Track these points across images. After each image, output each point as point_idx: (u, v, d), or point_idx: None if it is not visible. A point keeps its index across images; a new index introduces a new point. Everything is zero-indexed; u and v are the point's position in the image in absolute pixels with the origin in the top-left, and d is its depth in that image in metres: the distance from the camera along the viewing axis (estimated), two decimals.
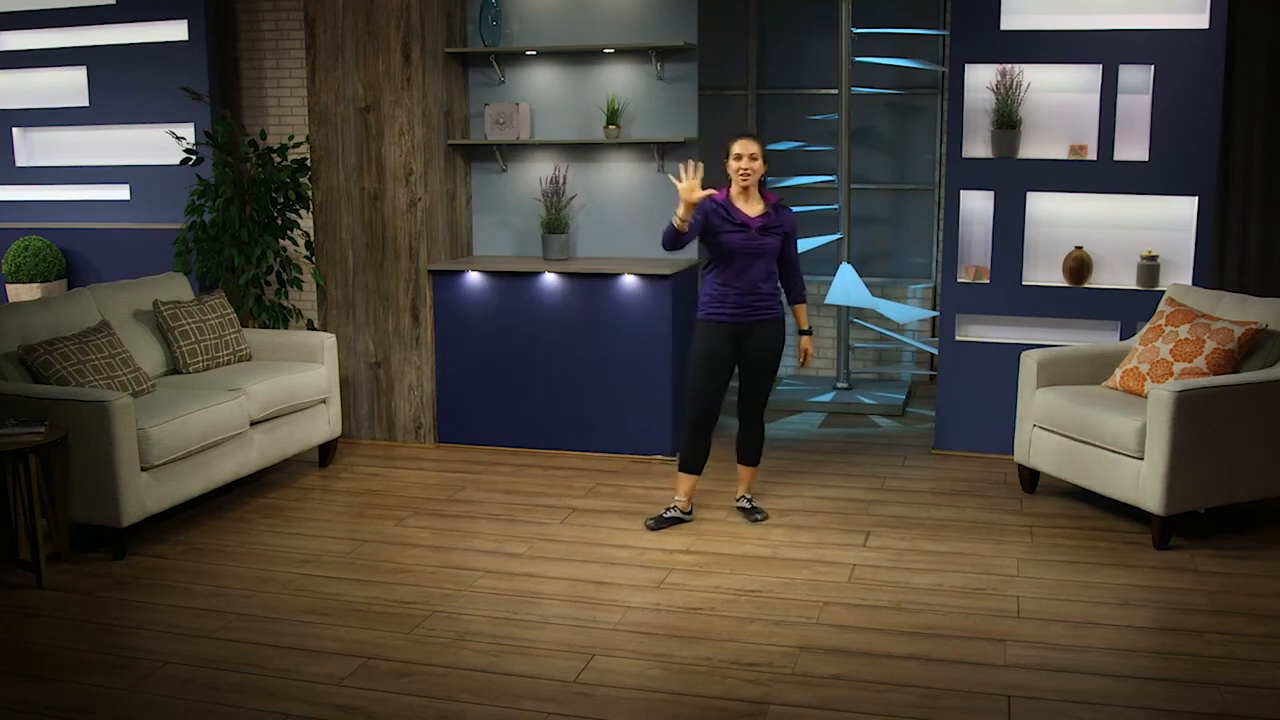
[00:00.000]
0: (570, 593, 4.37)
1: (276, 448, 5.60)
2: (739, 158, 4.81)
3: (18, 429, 4.45)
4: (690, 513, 5.12)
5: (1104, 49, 5.69)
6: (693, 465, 5.05)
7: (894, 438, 6.57)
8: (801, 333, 5.12)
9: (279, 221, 6.86)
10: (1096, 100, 5.77)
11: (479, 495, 5.58)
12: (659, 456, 6.10)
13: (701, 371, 4.92)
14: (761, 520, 5.12)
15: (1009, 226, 5.94)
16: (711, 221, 4.82)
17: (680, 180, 4.63)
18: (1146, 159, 5.73)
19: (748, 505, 5.21)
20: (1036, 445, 5.34)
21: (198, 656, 3.87)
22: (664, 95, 6.17)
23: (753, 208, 4.87)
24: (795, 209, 7.32)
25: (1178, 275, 5.83)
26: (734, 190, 4.88)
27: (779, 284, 5.01)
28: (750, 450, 5.17)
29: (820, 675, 3.68)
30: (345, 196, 6.36)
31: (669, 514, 5.08)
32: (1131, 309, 5.81)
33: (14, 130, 8.13)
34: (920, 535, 4.94)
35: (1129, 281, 5.94)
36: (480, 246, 6.62)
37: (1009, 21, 5.84)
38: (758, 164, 4.82)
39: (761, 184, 4.91)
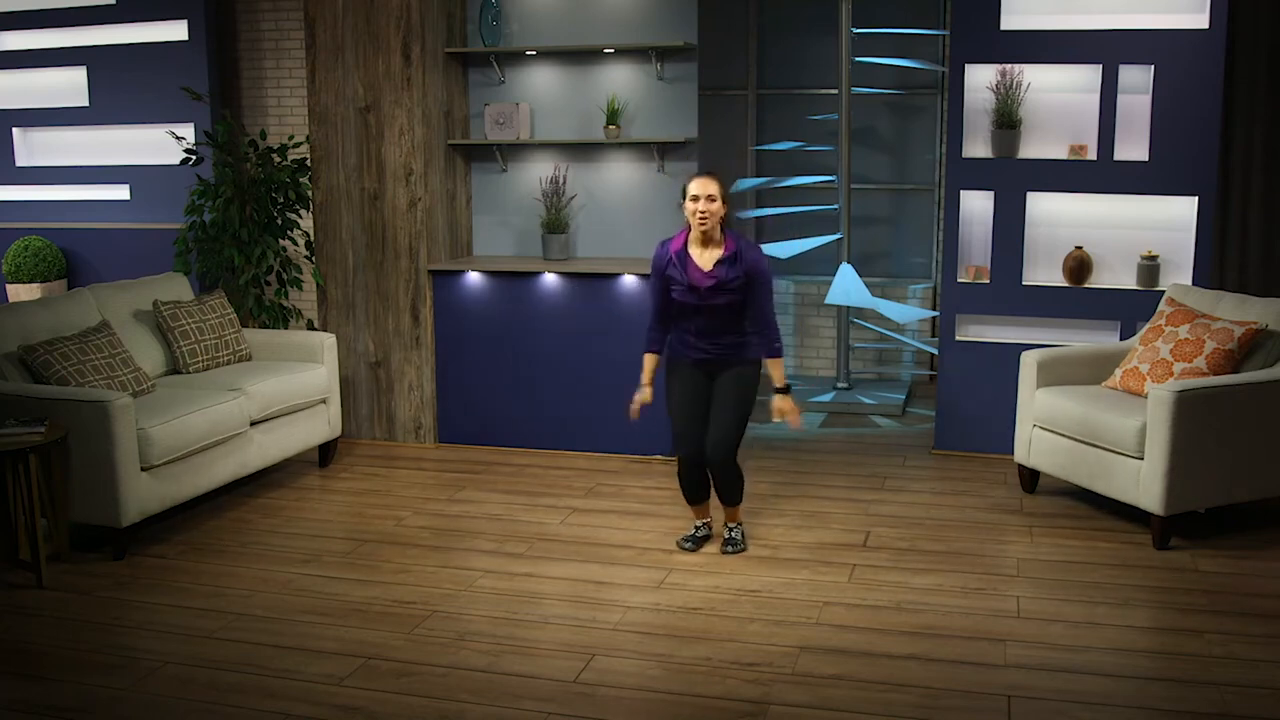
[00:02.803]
0: (570, 593, 4.37)
1: (276, 448, 5.60)
2: (696, 199, 4.40)
3: (18, 429, 4.45)
4: (705, 523, 4.92)
5: (1104, 49, 5.69)
6: (691, 499, 4.81)
7: (894, 438, 6.57)
8: (776, 391, 4.64)
9: (279, 221, 6.86)
10: (1096, 100, 5.77)
11: (479, 495, 5.58)
12: (659, 456, 6.10)
13: (676, 406, 4.65)
14: (733, 552, 4.74)
15: (1009, 226, 5.94)
16: (667, 274, 4.55)
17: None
18: (1146, 159, 5.73)
19: (727, 534, 4.82)
20: (1036, 445, 5.34)
21: (198, 656, 3.87)
22: (664, 95, 6.17)
23: (710, 257, 4.48)
24: (795, 209, 7.41)
25: (1178, 275, 5.83)
26: (692, 235, 4.51)
27: (746, 331, 4.57)
28: (724, 492, 4.71)
29: (820, 675, 3.68)
30: (345, 196, 6.36)
31: (699, 533, 4.86)
32: (1131, 309, 5.81)
33: (14, 130, 8.13)
34: (920, 535, 4.94)
35: (1129, 281, 5.94)
36: (480, 246, 6.62)
37: (1009, 21, 5.83)
38: (716, 205, 4.40)
39: (723, 226, 4.50)
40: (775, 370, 4.65)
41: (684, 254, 4.53)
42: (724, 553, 4.75)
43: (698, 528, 4.88)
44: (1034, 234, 6.01)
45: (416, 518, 5.26)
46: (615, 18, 6.18)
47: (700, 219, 4.44)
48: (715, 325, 4.55)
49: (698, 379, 4.64)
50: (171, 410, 4.95)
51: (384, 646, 3.93)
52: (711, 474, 4.69)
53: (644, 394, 4.74)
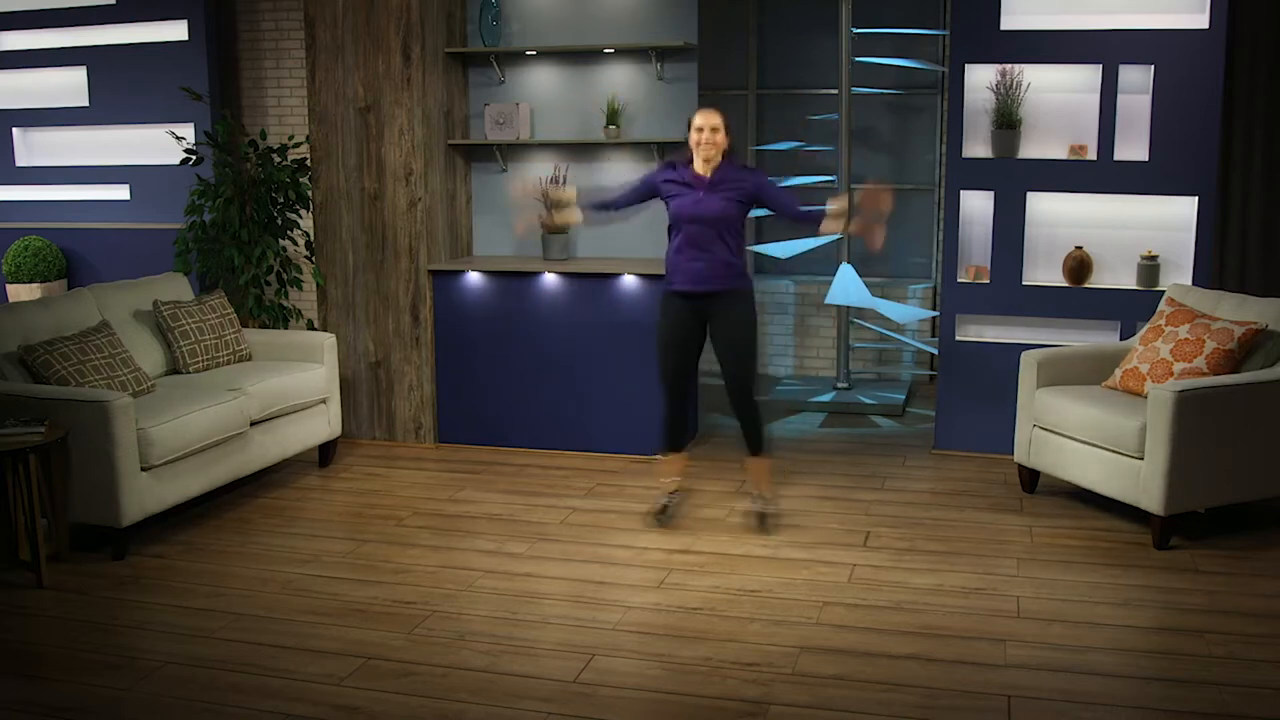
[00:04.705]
0: (570, 593, 4.37)
1: (276, 448, 5.60)
2: (700, 129, 4.58)
3: (18, 429, 4.45)
4: (675, 492, 5.06)
5: (1104, 49, 5.69)
6: (666, 441, 4.96)
7: (894, 438, 6.57)
8: (836, 211, 4.58)
9: (279, 221, 6.86)
10: (1096, 100, 5.76)
11: (479, 495, 5.58)
12: (659, 456, 6.09)
13: (660, 343, 4.83)
14: (769, 530, 4.88)
15: (1009, 226, 5.94)
16: (662, 179, 4.70)
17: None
18: (1146, 159, 5.72)
19: (760, 504, 4.96)
20: (1036, 445, 5.34)
21: (198, 656, 3.87)
22: (664, 95, 6.17)
23: (712, 171, 4.64)
24: None
25: (1178, 275, 5.83)
26: (695, 164, 4.66)
27: (739, 255, 4.69)
28: (747, 438, 4.89)
29: (820, 675, 3.68)
30: (345, 196, 6.36)
31: (665, 502, 5.02)
32: (1131, 309, 5.81)
33: (14, 130, 8.13)
34: (920, 535, 4.94)
35: (1129, 281, 5.93)
36: (480, 246, 6.62)
37: (1009, 21, 5.84)
38: (720, 136, 4.57)
39: (728, 158, 4.64)
40: (824, 223, 4.60)
41: (686, 169, 4.69)
42: (760, 526, 4.82)
43: (659, 500, 5.00)
44: (1034, 234, 6.01)
45: (416, 518, 5.26)
46: (615, 18, 6.18)
47: (705, 148, 4.59)
48: (710, 238, 4.62)
49: (687, 319, 4.75)
50: (171, 410, 4.95)
51: (384, 646, 3.93)
52: (737, 417, 4.86)
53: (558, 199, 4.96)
